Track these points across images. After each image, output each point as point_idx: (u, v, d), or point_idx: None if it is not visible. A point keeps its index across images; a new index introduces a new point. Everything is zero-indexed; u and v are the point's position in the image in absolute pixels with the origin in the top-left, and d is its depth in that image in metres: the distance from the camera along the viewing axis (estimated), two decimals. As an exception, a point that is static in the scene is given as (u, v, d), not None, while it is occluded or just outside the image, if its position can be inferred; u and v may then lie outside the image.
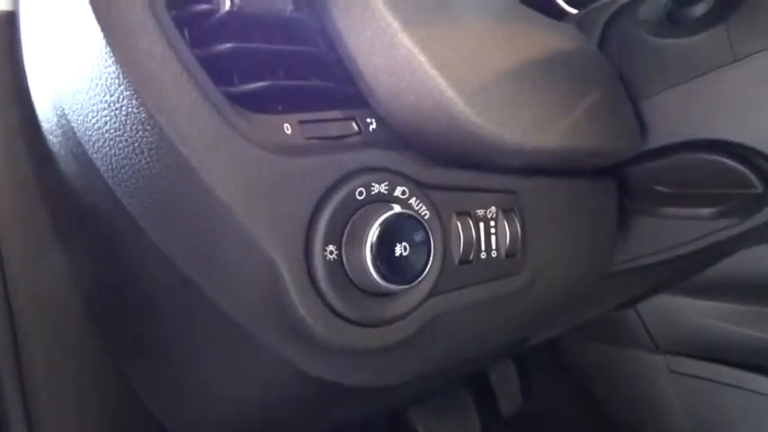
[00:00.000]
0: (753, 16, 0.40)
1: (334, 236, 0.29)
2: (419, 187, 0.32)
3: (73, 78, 0.29)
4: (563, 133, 0.37)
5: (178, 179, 0.27)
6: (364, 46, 0.32)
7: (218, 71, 0.29)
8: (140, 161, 0.28)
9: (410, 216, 0.30)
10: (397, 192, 0.31)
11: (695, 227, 0.45)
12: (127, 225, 0.30)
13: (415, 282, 0.30)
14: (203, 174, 0.27)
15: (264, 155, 0.28)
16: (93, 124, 0.28)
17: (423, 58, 0.31)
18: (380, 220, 0.29)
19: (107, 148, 0.28)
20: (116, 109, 0.27)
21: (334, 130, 0.32)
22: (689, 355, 0.66)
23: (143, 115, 0.26)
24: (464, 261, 0.34)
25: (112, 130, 0.28)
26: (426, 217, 0.32)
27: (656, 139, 0.44)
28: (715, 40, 0.41)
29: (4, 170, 0.36)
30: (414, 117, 0.32)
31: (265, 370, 0.34)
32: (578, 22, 0.49)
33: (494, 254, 0.36)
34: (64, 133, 0.31)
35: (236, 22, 0.30)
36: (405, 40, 0.31)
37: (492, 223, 0.36)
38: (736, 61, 0.40)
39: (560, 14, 0.55)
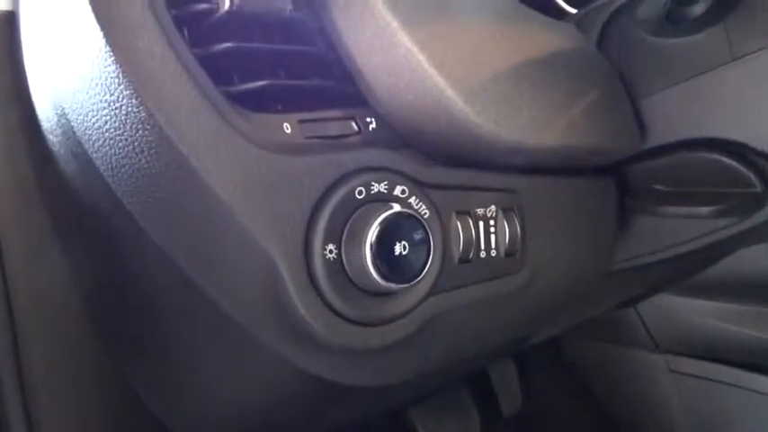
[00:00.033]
0: (751, 16, 0.40)
1: (333, 235, 0.29)
2: (419, 186, 0.32)
3: (73, 78, 0.29)
4: (562, 132, 0.37)
5: (178, 178, 0.27)
6: (364, 45, 0.32)
7: (218, 70, 0.29)
8: (140, 160, 0.28)
9: (410, 215, 0.30)
10: (397, 191, 0.31)
11: (694, 226, 0.45)
12: (127, 224, 0.30)
13: (415, 281, 0.30)
14: (203, 173, 0.27)
15: (264, 154, 0.28)
16: (93, 123, 0.28)
17: (422, 58, 0.31)
18: (380, 219, 0.29)
19: (107, 148, 0.28)
20: (116, 108, 0.27)
21: (333, 129, 0.32)
22: (689, 355, 0.66)
23: (143, 114, 0.26)
24: (464, 260, 0.35)
25: (112, 130, 0.28)
26: (426, 216, 0.32)
27: (656, 138, 0.44)
28: (714, 40, 0.41)
29: (4, 170, 0.37)
30: (413, 116, 0.33)
31: (265, 370, 0.34)
32: (577, 22, 0.49)
33: (493, 253, 0.36)
34: (64, 133, 0.31)
35: (235, 22, 0.30)
36: (404, 40, 0.31)
37: (491, 222, 0.36)
38: (734, 60, 0.40)
39: (560, 14, 0.55)
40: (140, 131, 0.27)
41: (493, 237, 0.36)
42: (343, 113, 0.32)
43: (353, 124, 0.32)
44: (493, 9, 0.39)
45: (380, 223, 0.29)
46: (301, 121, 0.31)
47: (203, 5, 0.30)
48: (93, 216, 0.34)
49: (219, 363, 0.35)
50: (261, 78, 0.30)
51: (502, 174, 0.37)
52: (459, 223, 0.34)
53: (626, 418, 0.75)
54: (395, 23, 0.31)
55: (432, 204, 0.33)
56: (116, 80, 0.26)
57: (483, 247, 0.35)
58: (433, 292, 0.33)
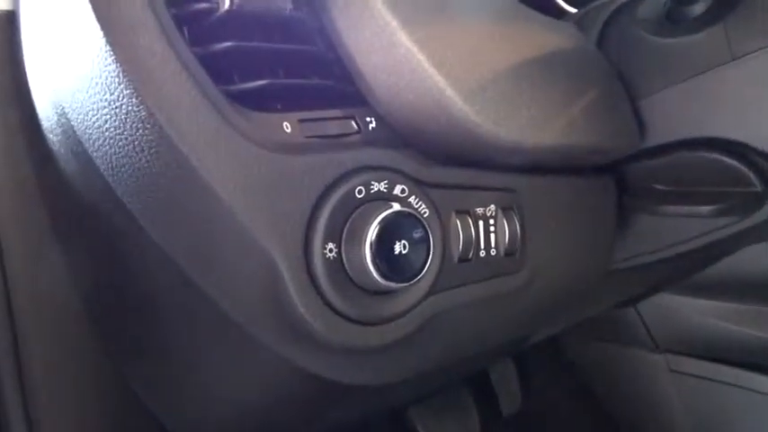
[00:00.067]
0: (750, 16, 0.40)
1: (333, 234, 0.29)
2: (418, 186, 0.32)
3: (73, 77, 0.29)
4: (561, 131, 0.37)
5: (178, 177, 0.27)
6: (363, 45, 0.32)
7: (218, 69, 0.29)
8: (140, 159, 0.28)
9: (409, 214, 0.30)
10: (397, 190, 0.31)
11: (694, 225, 0.45)
12: (127, 224, 0.30)
13: (415, 280, 0.30)
14: (203, 172, 0.27)
15: (264, 153, 0.28)
16: (94, 123, 0.28)
17: (422, 57, 0.31)
18: (380, 218, 0.29)
19: (107, 147, 0.28)
20: (116, 107, 0.27)
21: (333, 128, 0.32)
22: (689, 354, 0.66)
23: (143, 113, 0.26)
24: (463, 259, 0.35)
25: (112, 129, 0.28)
26: (426, 215, 0.32)
27: (655, 138, 0.44)
28: (713, 39, 0.41)
29: (4, 169, 0.37)
30: (413, 116, 0.33)
31: (265, 370, 0.34)
32: (577, 21, 0.50)
33: (493, 252, 0.36)
34: (64, 132, 0.31)
35: (235, 21, 0.30)
36: (404, 39, 0.31)
37: (491, 221, 0.36)
38: (734, 60, 0.40)
39: (559, 13, 0.55)
40: (140, 130, 0.27)
41: (492, 236, 0.36)
42: (342, 113, 0.32)
43: (353, 123, 0.33)
44: (492, 9, 0.39)
45: (380, 222, 0.29)
46: (301, 121, 0.31)
47: (203, 4, 0.30)
48: (93, 215, 0.34)
49: (219, 363, 0.35)
50: (261, 77, 0.30)
51: (501, 173, 0.37)
52: (458, 222, 0.34)
53: (626, 418, 0.75)
54: (394, 23, 0.31)
55: (431, 203, 0.33)
56: (116, 79, 0.26)
57: (482, 246, 0.35)
58: (432, 291, 0.33)
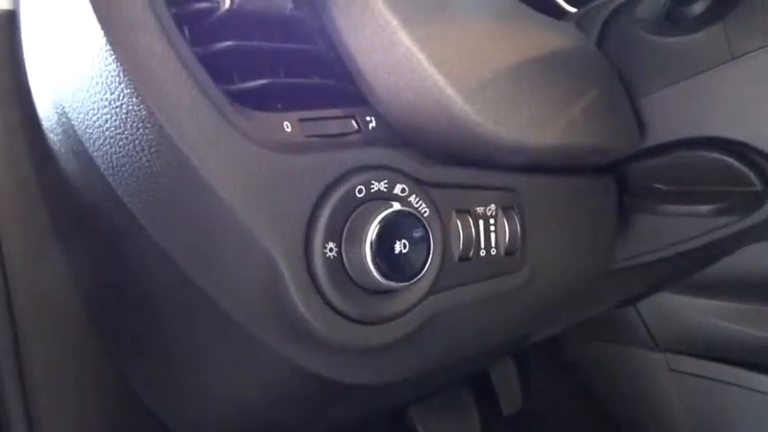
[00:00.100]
0: (750, 15, 0.40)
1: (333, 233, 0.29)
2: (419, 185, 0.32)
3: (73, 76, 0.29)
4: (561, 131, 0.37)
5: (178, 177, 0.27)
6: (364, 44, 0.32)
7: (218, 69, 0.29)
8: (140, 159, 0.28)
9: (410, 213, 0.30)
10: (397, 189, 0.31)
11: (694, 224, 0.45)
12: (127, 223, 0.30)
13: (415, 279, 0.30)
14: (203, 171, 0.27)
15: (264, 152, 0.28)
16: (94, 122, 0.28)
17: (422, 57, 0.31)
18: (380, 217, 0.29)
19: (107, 146, 0.28)
20: (116, 107, 0.27)
21: (333, 127, 0.32)
22: (689, 354, 0.66)
23: (143, 113, 0.26)
24: (464, 258, 0.35)
25: (113, 128, 0.28)
26: (426, 214, 0.32)
27: (655, 137, 0.44)
28: (713, 39, 0.41)
29: (4, 169, 0.37)
30: (413, 115, 0.33)
31: (265, 369, 0.34)
32: (577, 21, 0.50)
33: (493, 251, 0.36)
34: (64, 131, 0.31)
35: (236, 20, 0.30)
36: (404, 39, 0.31)
37: (491, 221, 0.36)
38: (734, 59, 0.40)
39: (559, 13, 0.55)
40: (141, 130, 0.27)
41: (493, 235, 0.36)
42: (343, 112, 0.32)
43: (353, 123, 0.33)
44: (493, 8, 0.39)
45: (380, 221, 0.29)
46: (301, 120, 0.31)
47: (204, 4, 0.30)
48: (93, 215, 0.34)
49: (220, 362, 0.35)
50: (261, 77, 0.30)
51: (502, 172, 0.37)
52: (459, 222, 0.34)
53: (626, 417, 0.75)
54: (395, 22, 0.31)
55: (432, 203, 0.33)
56: (116, 79, 0.26)
57: (483, 245, 0.35)
58: (433, 290, 0.33)
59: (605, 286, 0.53)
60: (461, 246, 0.34)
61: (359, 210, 0.30)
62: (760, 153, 0.41)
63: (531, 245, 0.39)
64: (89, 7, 0.27)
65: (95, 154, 0.29)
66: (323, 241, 0.29)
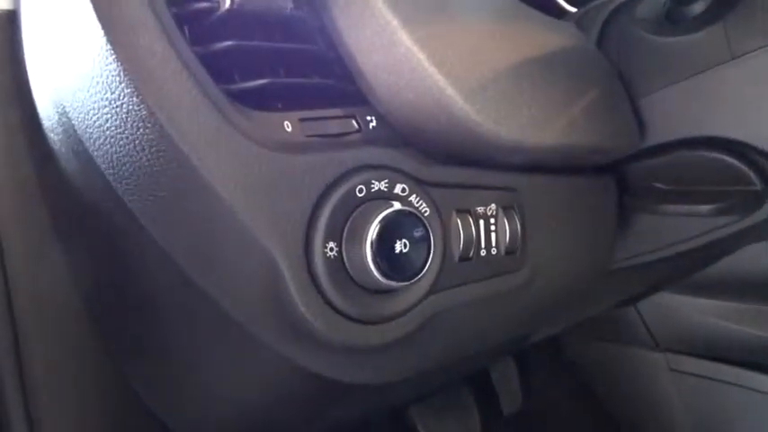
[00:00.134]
0: (750, 15, 0.40)
1: (334, 233, 0.29)
2: (419, 184, 0.32)
3: (74, 76, 0.29)
4: (561, 131, 0.37)
5: (178, 176, 0.27)
6: (364, 44, 0.32)
7: (219, 69, 0.29)
8: (141, 158, 0.28)
9: (410, 213, 0.30)
10: (397, 189, 0.31)
11: (694, 224, 0.45)
12: (127, 223, 0.30)
13: (415, 279, 0.30)
14: (203, 171, 0.27)
15: (264, 152, 0.28)
16: (94, 122, 0.28)
17: (422, 56, 0.31)
18: (380, 217, 0.29)
19: (108, 146, 0.28)
20: (117, 106, 0.27)
21: (334, 127, 0.32)
22: (689, 354, 0.66)
23: (143, 113, 0.26)
24: (464, 258, 0.35)
25: (113, 128, 0.28)
26: (426, 214, 0.32)
27: (655, 137, 0.44)
28: (713, 39, 0.41)
29: (4, 169, 0.37)
30: (413, 115, 0.33)
31: (265, 369, 0.34)
32: (577, 21, 0.50)
33: (494, 251, 0.36)
34: (65, 131, 0.31)
35: (236, 20, 0.30)
36: (404, 39, 0.31)
37: (492, 220, 0.36)
38: (734, 59, 0.40)
39: (559, 13, 0.55)
40: (141, 130, 0.27)
41: (493, 235, 0.36)
42: (343, 112, 0.32)
43: (354, 122, 0.33)
44: (493, 8, 0.39)
45: (381, 221, 0.29)
46: (302, 120, 0.31)
47: (204, 4, 0.30)
48: (94, 215, 0.34)
49: (220, 362, 0.35)
50: (261, 77, 0.30)
51: (502, 172, 0.37)
52: (459, 221, 0.34)
53: (626, 417, 0.75)
54: (395, 22, 0.31)
55: (432, 202, 0.33)
56: (117, 78, 0.26)
57: (483, 245, 0.35)
58: (433, 290, 0.33)
59: (605, 286, 0.53)
60: (462, 245, 0.34)
61: (359, 209, 0.30)
62: (760, 152, 0.41)
63: (532, 244, 0.39)
64: (89, 7, 0.27)
65: (96, 153, 0.29)
66: (323, 241, 0.29)
